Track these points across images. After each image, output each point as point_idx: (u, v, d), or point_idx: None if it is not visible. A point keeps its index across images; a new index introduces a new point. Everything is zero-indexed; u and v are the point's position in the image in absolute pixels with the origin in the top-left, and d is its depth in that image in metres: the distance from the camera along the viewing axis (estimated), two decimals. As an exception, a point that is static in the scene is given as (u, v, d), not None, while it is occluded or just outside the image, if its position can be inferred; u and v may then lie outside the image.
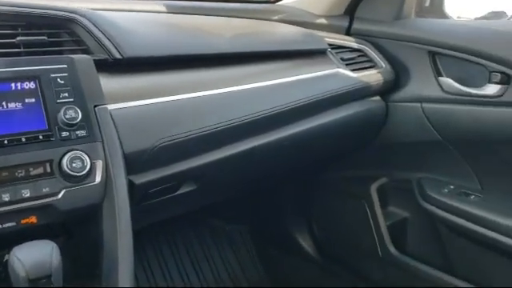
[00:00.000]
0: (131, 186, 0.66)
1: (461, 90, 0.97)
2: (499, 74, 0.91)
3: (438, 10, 1.14)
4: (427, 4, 1.15)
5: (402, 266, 1.15)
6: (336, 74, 1.00)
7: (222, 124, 0.74)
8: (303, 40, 1.04)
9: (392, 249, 1.16)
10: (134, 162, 0.65)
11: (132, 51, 0.71)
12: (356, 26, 1.15)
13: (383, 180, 1.19)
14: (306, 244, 1.38)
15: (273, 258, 1.47)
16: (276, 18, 1.16)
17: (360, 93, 1.04)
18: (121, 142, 0.62)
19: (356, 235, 1.25)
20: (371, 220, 1.20)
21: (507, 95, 0.90)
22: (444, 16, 1.14)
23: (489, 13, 1.23)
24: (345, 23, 1.17)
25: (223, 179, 0.90)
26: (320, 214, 1.35)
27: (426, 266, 1.11)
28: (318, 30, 1.14)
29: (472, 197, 0.99)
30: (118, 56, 0.69)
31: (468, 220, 0.96)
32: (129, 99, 0.67)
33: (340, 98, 1.00)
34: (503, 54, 0.89)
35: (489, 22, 0.98)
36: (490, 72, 0.92)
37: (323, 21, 1.18)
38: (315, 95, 0.94)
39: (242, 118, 0.79)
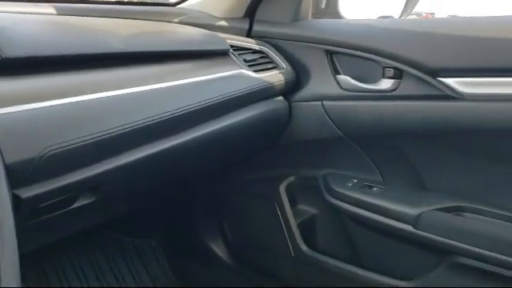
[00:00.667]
0: (17, 200, 0.59)
1: (358, 86, 1.01)
2: (392, 70, 0.96)
3: (333, 11, 1.19)
4: (323, 6, 1.19)
5: (314, 263, 1.16)
6: (239, 75, 0.99)
7: (119, 128, 0.68)
8: (204, 41, 1.02)
9: (303, 247, 1.17)
10: (19, 174, 0.58)
11: (12, 51, 0.64)
12: (256, 28, 1.16)
13: (291, 179, 1.21)
14: (219, 250, 1.36)
15: (186, 269, 1.42)
16: (176, 20, 1.12)
17: (264, 93, 1.04)
18: (1, 152, 0.55)
19: (268, 236, 1.24)
20: (282, 220, 1.21)
21: (400, 89, 0.95)
22: (339, 17, 1.19)
23: (378, 17, 1.31)
24: (245, 25, 1.17)
25: (125, 189, 0.84)
26: (231, 219, 1.33)
27: (336, 260, 1.14)
28: (219, 32, 1.12)
29: (374, 189, 1.03)
30: None
31: (371, 211, 0.99)
32: (10, 104, 0.60)
33: (244, 99, 0.99)
34: (395, 50, 0.94)
35: (381, 21, 1.04)
36: (384, 68, 0.97)
37: (224, 23, 1.17)
38: (219, 96, 0.92)
39: (142, 121, 0.73)
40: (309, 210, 1.22)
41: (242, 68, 1.02)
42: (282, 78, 1.08)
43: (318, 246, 1.19)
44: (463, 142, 0.91)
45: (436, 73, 0.89)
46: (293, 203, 1.21)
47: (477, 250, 0.84)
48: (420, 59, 0.91)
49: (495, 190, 0.90)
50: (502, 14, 0.90)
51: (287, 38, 1.12)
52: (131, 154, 0.74)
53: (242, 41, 1.11)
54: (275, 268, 1.26)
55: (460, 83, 0.87)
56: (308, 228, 1.20)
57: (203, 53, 0.99)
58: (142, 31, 0.94)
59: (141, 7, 1.15)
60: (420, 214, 0.91)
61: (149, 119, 0.75)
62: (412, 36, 0.95)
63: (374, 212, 0.99)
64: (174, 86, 0.85)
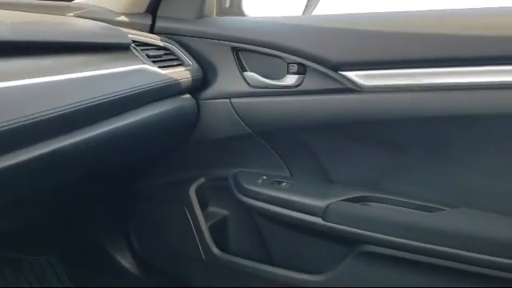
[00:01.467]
0: None
1: (264, 82, 1.01)
2: (296, 65, 0.97)
3: (237, 11, 1.19)
4: (227, 5, 1.18)
5: (226, 265, 1.13)
6: (142, 70, 0.95)
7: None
8: (103, 34, 0.96)
9: (215, 249, 1.14)
10: None
11: None
12: (159, 24, 1.12)
13: (201, 180, 1.17)
14: (126, 261, 1.28)
15: (91, 284, 1.32)
16: (72, 14, 1.05)
17: (169, 90, 1.00)
18: None
19: (179, 242, 1.20)
20: (192, 224, 1.17)
21: (304, 84, 0.97)
22: (244, 16, 1.19)
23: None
24: (147, 21, 1.13)
25: (9, 199, 0.74)
26: (139, 227, 1.26)
27: (248, 260, 1.12)
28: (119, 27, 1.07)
29: (283, 184, 1.03)
30: None
31: (281, 206, 0.99)
32: None
33: (148, 95, 0.94)
34: (298, 45, 0.96)
35: (285, 17, 1.05)
36: (288, 63, 0.98)
37: (124, 18, 1.11)
38: (119, 91, 0.86)
39: (27, 118, 0.65)
40: (220, 211, 1.20)
41: (145, 63, 0.97)
42: (189, 75, 1.05)
43: (229, 247, 1.17)
44: (365, 133, 0.94)
45: (337, 67, 0.92)
46: (203, 206, 1.18)
47: (383, 236, 0.87)
48: (322, 54, 0.93)
49: (396, 179, 0.94)
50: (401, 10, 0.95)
51: (192, 35, 1.09)
52: (13, 157, 0.65)
53: (145, 36, 1.06)
54: (186, 274, 1.22)
55: (360, 76, 0.90)
56: (219, 230, 1.17)
57: (102, 46, 0.93)
58: (35, 21, 0.86)
59: (36, 1, 1.06)
60: (328, 206, 0.92)
61: (38, 115, 0.67)
62: (314, 32, 0.97)
63: (284, 207, 0.99)
64: (68, 79, 0.78)
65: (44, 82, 0.74)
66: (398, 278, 0.89)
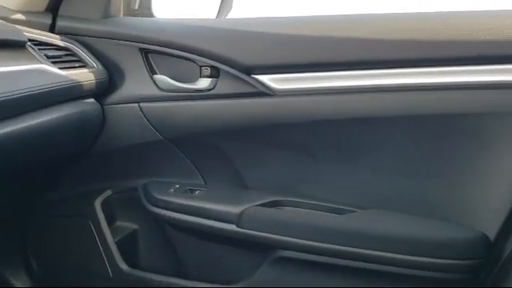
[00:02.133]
0: None
1: (175, 86, 0.97)
2: (209, 68, 0.94)
3: (146, 12, 1.14)
4: (136, 6, 1.13)
5: (136, 282, 1.06)
6: (39, 70, 0.86)
7: None
8: None
9: (123, 266, 1.06)
10: None
11: None
12: (60, 23, 1.03)
13: (108, 193, 1.09)
14: (23, 285, 1.15)
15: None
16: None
17: (70, 93, 0.92)
18: None
19: (84, 260, 1.10)
20: (98, 239, 1.08)
21: (218, 88, 0.94)
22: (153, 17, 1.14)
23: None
24: (47, 20, 1.04)
25: None
26: (38, 246, 1.14)
27: (159, 275, 1.05)
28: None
29: (196, 192, 0.99)
30: None
31: (194, 215, 0.95)
32: None
33: (47, 97, 0.85)
34: (211, 48, 0.93)
35: (197, 20, 1.02)
36: (201, 66, 0.95)
37: (20, 16, 1.01)
38: (14, 92, 0.77)
39: None
40: (129, 225, 1.12)
41: (42, 63, 0.88)
42: (93, 78, 0.97)
43: (139, 263, 1.09)
44: (278, 137, 0.93)
45: (250, 70, 0.90)
46: (111, 220, 1.09)
47: (297, 241, 0.86)
48: (235, 57, 0.91)
49: (310, 182, 0.94)
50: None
51: (97, 36, 1.02)
52: None
53: (44, 35, 0.98)
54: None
55: (272, 80, 0.89)
56: (128, 245, 1.09)
57: None
58: None
59: None
60: (242, 212, 0.90)
61: None
62: (227, 35, 0.95)
63: (197, 215, 0.95)
64: None
65: None
66: (314, 282, 0.88)
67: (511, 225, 0.78)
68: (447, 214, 0.83)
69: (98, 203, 1.08)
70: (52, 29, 1.04)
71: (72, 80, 0.91)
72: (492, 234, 0.79)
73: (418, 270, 0.81)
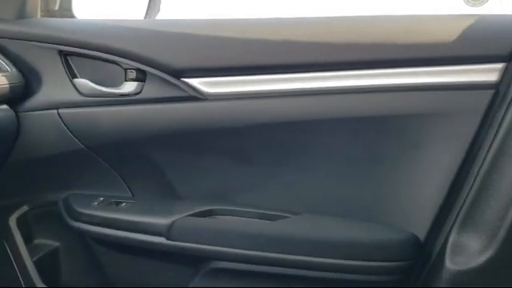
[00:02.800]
0: None
1: (98, 90, 0.90)
2: (135, 71, 0.89)
3: (67, 13, 1.06)
4: (56, 7, 1.06)
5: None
6: None
7: None
8: None
9: (42, 286, 0.97)
10: None
11: None
12: None
13: (24, 208, 1.00)
14: None
15: None
16: None
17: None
18: None
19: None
20: (13, 260, 0.98)
21: (145, 92, 0.88)
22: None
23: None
24: (-47, 20, 0.94)
25: None
26: None
27: None
28: None
29: (123, 204, 0.92)
30: None
31: (121, 229, 0.88)
32: None
33: None
34: (136, 50, 0.88)
35: (122, 21, 0.97)
36: (126, 69, 0.89)
37: None
38: None
39: None
40: (49, 243, 1.03)
41: None
42: (5, 82, 0.88)
43: (61, 283, 1.00)
44: (210, 143, 0.89)
45: (180, 73, 0.86)
46: (28, 238, 1.00)
47: (231, 250, 0.82)
48: (163, 60, 0.87)
49: (244, 189, 0.90)
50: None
51: (10, 37, 0.93)
52: None
53: None
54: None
55: (203, 83, 0.86)
56: (49, 264, 1.00)
57: None
58: None
59: None
60: (172, 223, 0.84)
61: None
62: (155, 36, 0.90)
63: (124, 229, 0.88)
64: None
65: None
66: None
67: (440, 224, 0.79)
68: (380, 215, 0.83)
69: (12, 220, 0.98)
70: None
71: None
72: (422, 233, 0.80)
73: (352, 274, 0.80)
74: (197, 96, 0.86)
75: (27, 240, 0.99)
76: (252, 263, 0.82)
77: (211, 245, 0.83)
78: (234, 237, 0.83)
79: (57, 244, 1.03)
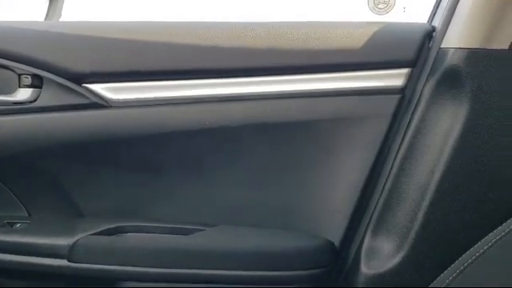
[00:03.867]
0: None
1: (-12, 98, 0.81)
2: (30, 77, 0.80)
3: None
4: None
5: None
6: None
7: None
8: None
9: None
10: None
11: None
12: None
13: None
14: None
15: None
16: None
17: None
18: None
19: None
20: None
21: (41, 99, 0.80)
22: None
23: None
24: None
25: None
26: None
27: None
28: None
29: (18, 225, 0.83)
30: None
31: (16, 253, 0.79)
32: None
33: None
34: (31, 53, 0.80)
35: (14, 22, 0.88)
36: (20, 75, 0.81)
37: None
38: None
39: None
40: None
41: None
42: None
43: None
44: (117, 154, 0.83)
45: (80, 78, 0.79)
46: None
47: (140, 269, 0.76)
48: (61, 64, 0.79)
49: (156, 203, 0.85)
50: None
51: None
52: None
53: None
54: None
55: (107, 89, 0.79)
56: None
57: None
58: None
59: None
60: (73, 244, 0.77)
61: None
62: (51, 38, 0.82)
63: (20, 253, 0.79)
64: None
65: None
66: None
67: (354, 228, 0.79)
68: (295, 222, 0.82)
69: None
70: None
71: None
72: (337, 239, 0.80)
73: (269, 285, 0.77)
74: (100, 103, 0.79)
75: None
76: (164, 281, 0.77)
77: (118, 265, 0.76)
78: (143, 255, 0.77)
79: None
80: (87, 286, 0.82)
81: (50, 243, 0.78)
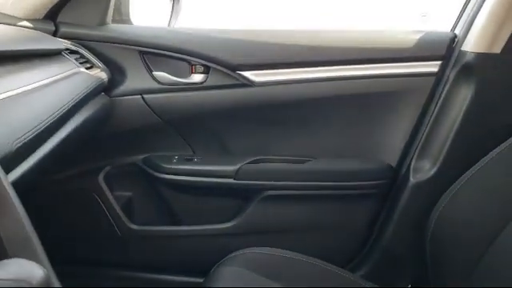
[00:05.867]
0: None
1: (173, 80, 1.26)
2: (202, 66, 1.26)
3: (125, 18, 1.37)
4: (120, 14, 1.36)
5: (142, 237, 1.34)
6: (80, 74, 1.08)
7: None
8: (35, 39, 1.04)
9: (129, 225, 1.33)
10: None
11: None
12: (63, 29, 1.22)
13: (107, 168, 1.34)
14: None
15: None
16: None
17: (97, 89, 1.15)
18: None
19: (95, 225, 1.33)
20: (104, 207, 1.32)
21: (208, 81, 1.26)
22: (131, 23, 1.39)
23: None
24: (50, 27, 1.21)
25: None
26: (49, 220, 1.32)
27: (159, 227, 1.35)
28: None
29: (195, 159, 1.31)
30: None
31: (199, 176, 1.28)
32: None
33: (88, 97, 1.08)
34: (203, 51, 1.25)
35: (188, 28, 1.32)
36: (193, 65, 1.26)
37: (27, 24, 1.17)
38: (73, 97, 0.98)
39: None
40: (125, 193, 1.38)
41: (78, 67, 1.10)
42: (104, 76, 1.20)
43: (141, 221, 1.37)
44: (256, 116, 1.31)
45: (235, 68, 1.25)
46: (113, 190, 1.34)
47: (279, 183, 1.27)
48: (223, 58, 1.25)
49: (278, 145, 1.34)
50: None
51: (98, 40, 1.24)
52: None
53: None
54: (104, 254, 1.36)
55: (252, 74, 1.26)
56: (131, 208, 1.36)
57: (37, 53, 1.01)
58: None
59: None
60: (238, 169, 1.26)
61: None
62: (214, 39, 1.27)
63: (201, 176, 1.28)
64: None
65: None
66: (291, 209, 1.30)
67: (405, 154, 1.32)
68: (375, 153, 1.33)
69: (101, 177, 1.32)
70: (54, 34, 1.22)
71: (99, 79, 1.14)
72: (395, 162, 1.32)
73: (350, 190, 1.29)
74: (248, 83, 1.26)
75: (113, 191, 1.34)
76: (293, 190, 1.28)
77: (266, 180, 1.27)
78: (279, 174, 1.28)
79: (130, 194, 1.38)
80: (241, 197, 1.31)
81: (221, 169, 1.27)
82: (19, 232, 0.55)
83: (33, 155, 0.78)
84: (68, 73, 1.03)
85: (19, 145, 0.68)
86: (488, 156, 1.03)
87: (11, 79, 0.81)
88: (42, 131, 0.78)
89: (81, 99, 1.01)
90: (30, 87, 0.82)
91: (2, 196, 0.55)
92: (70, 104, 0.94)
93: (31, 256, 0.53)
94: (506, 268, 0.92)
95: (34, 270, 0.49)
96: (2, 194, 0.55)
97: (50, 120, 0.82)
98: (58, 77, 0.98)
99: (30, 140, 0.73)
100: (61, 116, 0.88)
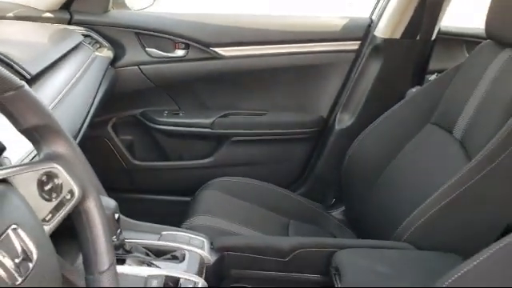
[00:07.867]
0: None
1: (162, 54, 1.67)
2: (183, 44, 1.67)
3: (122, 4, 1.74)
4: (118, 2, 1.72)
5: (144, 169, 1.82)
6: (96, 58, 1.48)
7: None
8: (66, 38, 1.43)
9: (133, 161, 1.80)
10: None
11: None
12: (77, 17, 1.59)
13: (114, 120, 1.78)
14: None
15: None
16: (11, 15, 1.44)
17: (108, 64, 1.56)
18: None
19: (105, 165, 1.79)
20: (113, 148, 1.78)
21: (189, 55, 1.68)
22: (127, 9, 1.76)
23: None
24: (66, 16, 1.58)
25: None
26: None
27: (155, 162, 1.83)
28: (44, 23, 1.51)
29: (180, 114, 1.77)
30: None
31: (183, 126, 1.74)
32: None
33: (105, 73, 1.49)
34: (182, 32, 1.65)
35: (173, 14, 1.70)
36: (176, 43, 1.67)
37: (48, 15, 1.55)
38: (97, 79, 1.40)
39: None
40: (128, 137, 1.84)
41: (93, 51, 1.50)
42: (111, 54, 1.61)
43: (141, 158, 1.84)
44: (225, 81, 1.74)
45: (209, 45, 1.67)
46: (118, 135, 1.80)
47: (243, 131, 1.75)
48: (199, 37, 1.66)
49: (242, 103, 1.80)
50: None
51: (103, 25, 1.62)
52: None
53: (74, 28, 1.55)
54: (112, 184, 1.84)
55: (222, 50, 1.68)
56: (134, 148, 1.83)
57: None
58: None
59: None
60: (214, 120, 1.73)
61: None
62: (193, 23, 1.67)
63: (184, 126, 1.74)
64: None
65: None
66: (252, 150, 1.79)
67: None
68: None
69: (109, 127, 1.77)
70: (70, 21, 1.60)
71: (106, 57, 1.55)
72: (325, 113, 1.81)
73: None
74: (219, 57, 1.68)
75: (118, 136, 1.79)
76: (251, 136, 1.76)
77: (233, 129, 1.74)
78: (243, 124, 1.75)
79: (135, 137, 1.84)
80: (215, 140, 1.79)
81: (200, 121, 1.73)
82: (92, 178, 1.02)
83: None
84: (89, 60, 1.43)
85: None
86: (388, 112, 1.52)
87: (60, 77, 1.22)
88: (89, 110, 1.22)
89: (102, 76, 1.43)
90: (73, 80, 1.24)
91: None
92: (97, 83, 1.37)
93: (100, 191, 1.01)
94: (390, 190, 1.43)
95: (109, 201, 0.96)
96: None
97: (91, 101, 1.26)
98: (86, 64, 1.38)
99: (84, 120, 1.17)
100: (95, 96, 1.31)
